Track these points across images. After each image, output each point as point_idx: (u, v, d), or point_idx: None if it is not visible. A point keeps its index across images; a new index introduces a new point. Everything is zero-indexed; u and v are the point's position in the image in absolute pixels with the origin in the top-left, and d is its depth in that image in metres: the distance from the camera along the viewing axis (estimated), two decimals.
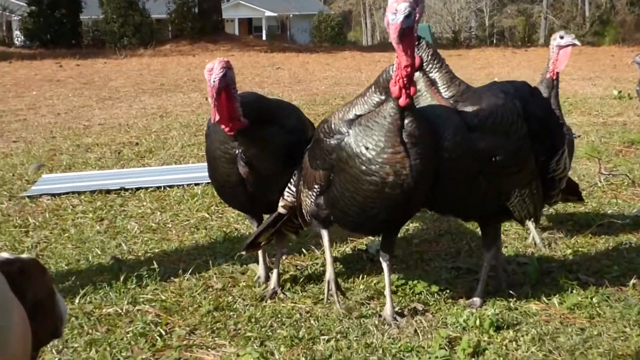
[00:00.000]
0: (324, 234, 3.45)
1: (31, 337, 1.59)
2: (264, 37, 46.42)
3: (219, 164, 3.55)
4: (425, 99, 3.36)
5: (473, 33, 49.23)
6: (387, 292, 3.41)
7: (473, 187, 3.23)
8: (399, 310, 3.47)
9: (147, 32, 29.80)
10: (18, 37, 33.23)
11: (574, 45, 4.34)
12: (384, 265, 3.43)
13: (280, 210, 3.65)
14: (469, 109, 3.23)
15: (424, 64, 3.45)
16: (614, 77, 14.72)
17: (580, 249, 4.33)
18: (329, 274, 3.48)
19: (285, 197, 3.61)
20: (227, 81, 3.31)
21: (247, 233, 4.52)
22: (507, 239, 4.49)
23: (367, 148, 2.99)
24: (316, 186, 3.25)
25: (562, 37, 4.33)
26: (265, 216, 3.84)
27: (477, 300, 3.54)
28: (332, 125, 3.16)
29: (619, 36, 37.02)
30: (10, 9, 34.49)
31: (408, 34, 2.91)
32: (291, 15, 55.83)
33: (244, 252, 3.89)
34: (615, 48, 25.91)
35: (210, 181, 3.85)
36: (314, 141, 3.31)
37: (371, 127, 3.00)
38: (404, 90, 2.93)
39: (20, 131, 9.25)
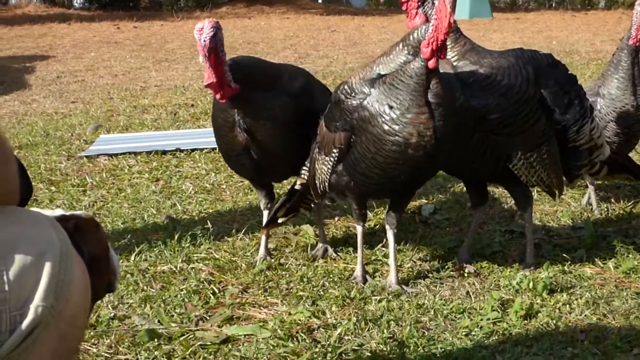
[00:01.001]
0: (359, 229, 3.41)
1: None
2: (319, 0, 46.15)
3: (221, 132, 3.47)
4: None
5: None
6: (391, 260, 3.37)
7: (469, 145, 3.24)
8: (452, 273, 3.46)
9: None
10: None
11: None
12: (390, 233, 3.38)
13: (297, 187, 3.61)
14: (467, 68, 3.26)
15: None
16: None
17: (637, 214, 4.25)
18: (359, 270, 3.44)
19: (302, 175, 3.54)
20: (217, 41, 3.18)
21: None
22: (562, 204, 4.43)
23: (391, 107, 2.94)
24: (335, 150, 3.16)
25: None
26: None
27: (529, 261, 3.52)
28: (353, 85, 3.08)
29: None
30: None
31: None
32: None
33: (265, 230, 3.77)
34: None
35: None
36: (331, 104, 3.22)
37: (396, 85, 2.95)
38: (436, 53, 2.88)
39: (79, 92, 9.37)
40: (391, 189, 3.26)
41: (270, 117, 3.35)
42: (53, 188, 4.98)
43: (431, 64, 2.89)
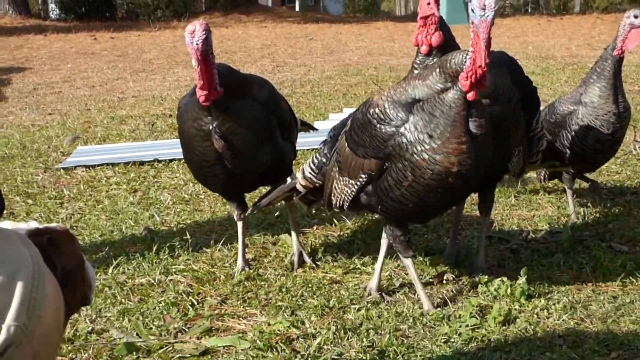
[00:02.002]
0: (408, 263, 3.29)
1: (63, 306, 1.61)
2: (297, 8, 46.22)
3: (194, 143, 3.40)
4: None
5: (507, 1, 48.62)
6: (377, 265, 3.37)
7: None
8: (430, 279, 3.47)
9: (181, 4, 29.73)
10: (53, 10, 33.34)
11: None
12: (385, 241, 3.37)
13: (299, 188, 3.53)
14: None
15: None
16: None
17: (613, 218, 4.28)
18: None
19: (307, 177, 3.47)
20: (208, 44, 3.17)
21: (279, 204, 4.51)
22: (540, 209, 4.45)
23: (431, 137, 2.85)
24: (364, 176, 3.07)
25: (636, 17, 4.14)
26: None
27: (480, 265, 3.55)
28: (386, 110, 2.97)
29: None
30: None
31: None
32: None
33: (254, 211, 3.83)
34: None
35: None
36: (357, 126, 3.10)
37: (436, 115, 2.86)
38: (475, 86, 2.83)
39: (56, 103, 9.32)
40: (424, 215, 3.26)
41: (246, 124, 3.35)
42: (30, 201, 4.95)
43: (470, 96, 2.83)
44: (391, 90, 3.05)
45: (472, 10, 2.80)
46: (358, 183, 3.10)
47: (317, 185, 3.46)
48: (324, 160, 3.40)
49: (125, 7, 32.45)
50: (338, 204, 3.27)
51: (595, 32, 18.05)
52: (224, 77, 3.29)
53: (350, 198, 3.18)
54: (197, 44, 3.11)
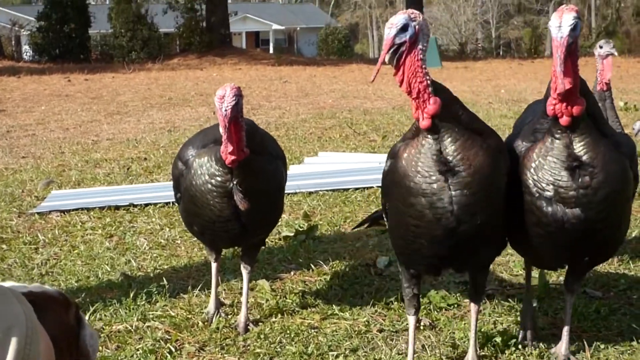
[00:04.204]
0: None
1: None
2: (271, 51, 46.52)
3: (209, 199, 3.28)
4: None
5: (480, 45, 49.27)
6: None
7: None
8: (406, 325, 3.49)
9: (155, 46, 29.91)
10: (27, 51, 33.37)
11: (612, 55, 4.31)
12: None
13: None
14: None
15: None
16: (620, 88, 14.69)
17: None
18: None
19: None
20: (238, 109, 3.09)
21: None
22: (514, 254, 4.50)
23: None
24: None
25: (601, 47, 4.29)
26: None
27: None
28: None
29: (625, 47, 37.01)
30: (19, 24, 34.65)
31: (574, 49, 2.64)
32: (298, 28, 55.98)
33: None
34: (621, 59, 25.89)
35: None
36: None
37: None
38: (563, 114, 2.67)
39: (29, 146, 9.30)
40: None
41: (266, 180, 3.34)
42: (4, 246, 4.92)
43: (563, 121, 2.68)
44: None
45: (550, 29, 2.64)
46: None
47: None
48: None
49: (99, 49, 32.56)
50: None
51: None
52: (249, 136, 3.23)
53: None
54: (226, 111, 3.04)
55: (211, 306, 3.68)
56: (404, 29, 2.64)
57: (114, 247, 4.88)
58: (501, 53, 46.92)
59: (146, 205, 5.85)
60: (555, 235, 2.75)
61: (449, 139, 2.68)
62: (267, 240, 4.71)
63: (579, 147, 2.67)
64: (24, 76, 19.55)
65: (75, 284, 4.20)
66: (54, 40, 29.25)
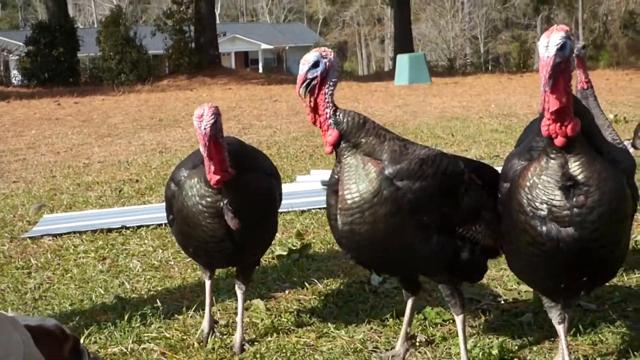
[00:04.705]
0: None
1: None
2: (260, 70, 46.65)
3: (200, 220, 3.28)
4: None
5: (468, 60, 49.50)
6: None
7: None
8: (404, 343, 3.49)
9: (145, 68, 30.01)
10: (16, 76, 33.42)
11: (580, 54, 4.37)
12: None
13: None
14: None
15: None
16: (610, 100, 14.78)
17: None
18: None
19: None
20: (217, 128, 3.10)
21: None
22: (508, 269, 4.50)
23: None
24: None
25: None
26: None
27: None
28: None
29: (613, 60, 37.25)
30: (7, 49, 34.71)
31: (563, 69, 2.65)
32: (287, 48, 56.17)
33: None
34: (610, 71, 26.07)
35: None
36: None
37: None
38: (557, 134, 2.68)
39: (20, 171, 9.29)
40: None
41: (256, 198, 3.33)
42: None
43: (557, 142, 2.70)
44: None
45: (539, 48, 2.67)
46: None
47: None
48: None
49: (88, 72, 32.58)
50: None
51: None
52: (235, 155, 3.22)
53: None
54: (205, 129, 3.05)
55: (205, 325, 3.67)
56: (315, 65, 2.90)
57: (107, 269, 4.87)
58: (490, 68, 47.16)
59: (139, 227, 5.85)
60: (550, 255, 2.75)
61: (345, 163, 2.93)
62: (260, 259, 4.73)
63: (574, 167, 2.67)
64: (13, 100, 19.57)
65: (69, 308, 4.19)
66: (43, 65, 29.28)
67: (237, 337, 3.55)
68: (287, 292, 4.31)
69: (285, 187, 6.21)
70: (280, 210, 5.62)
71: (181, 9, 31.91)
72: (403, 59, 23.26)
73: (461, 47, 56.79)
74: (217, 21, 35.19)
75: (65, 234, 5.77)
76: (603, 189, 2.64)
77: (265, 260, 4.84)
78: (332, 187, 2.99)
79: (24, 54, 30.51)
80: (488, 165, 3.39)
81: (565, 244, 2.69)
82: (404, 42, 33.10)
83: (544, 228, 2.70)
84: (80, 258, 5.17)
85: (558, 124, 2.64)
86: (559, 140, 2.65)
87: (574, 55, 4.27)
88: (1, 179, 8.78)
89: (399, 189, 2.85)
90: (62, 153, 10.74)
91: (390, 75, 25.10)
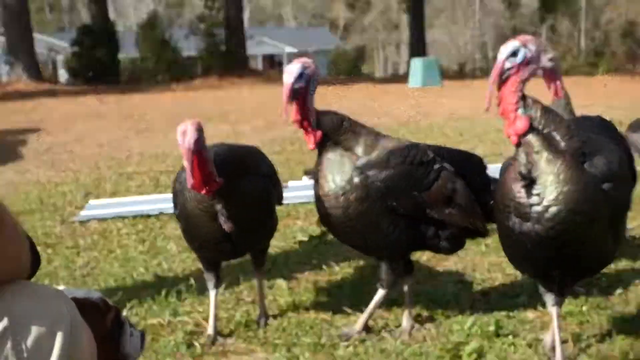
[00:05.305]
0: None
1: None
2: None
3: (198, 222, 3.27)
4: None
5: (477, 65, 49.28)
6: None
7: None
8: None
9: (179, 68, 30.11)
10: (63, 75, 33.64)
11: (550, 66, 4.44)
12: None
13: None
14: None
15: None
16: (607, 104, 14.75)
17: None
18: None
19: None
20: (201, 143, 3.05)
21: (273, 251, 4.66)
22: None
23: None
24: None
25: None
26: None
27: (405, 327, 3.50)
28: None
29: (612, 67, 37.00)
30: (55, 50, 34.96)
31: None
32: (310, 51, 56.17)
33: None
34: (608, 77, 25.90)
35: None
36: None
37: None
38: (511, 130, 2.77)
39: (68, 162, 9.45)
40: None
41: (250, 201, 3.30)
42: (50, 250, 5.06)
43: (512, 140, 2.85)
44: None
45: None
46: None
47: None
48: None
49: (128, 72, 32.73)
50: None
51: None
52: (222, 163, 3.18)
53: None
54: (188, 144, 3.00)
55: (210, 330, 3.49)
56: (300, 76, 3.11)
57: (147, 250, 5.01)
58: None
59: (174, 213, 5.96)
60: (521, 247, 2.84)
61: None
62: (283, 244, 4.86)
63: (534, 166, 2.70)
64: (61, 97, 19.71)
65: (113, 284, 4.33)
66: (87, 65, 29.41)
67: (261, 313, 3.67)
68: (306, 273, 4.43)
69: (307, 180, 6.32)
70: (301, 201, 5.76)
71: (212, 13, 31.99)
72: (417, 63, 23.21)
73: (471, 53, 56.59)
74: (246, 25, 35.20)
75: (109, 218, 5.92)
76: (560, 189, 2.66)
77: (288, 245, 4.96)
78: (315, 177, 3.25)
79: (70, 54, 30.70)
80: (463, 152, 3.65)
81: (527, 238, 2.77)
82: (418, 47, 33.01)
83: (510, 222, 2.81)
84: (122, 240, 5.32)
85: (508, 125, 2.75)
86: (512, 140, 2.76)
87: (540, 66, 4.29)
88: (52, 168, 8.95)
89: (368, 177, 3.11)
90: (105, 146, 10.88)
91: (404, 77, 25.02)
